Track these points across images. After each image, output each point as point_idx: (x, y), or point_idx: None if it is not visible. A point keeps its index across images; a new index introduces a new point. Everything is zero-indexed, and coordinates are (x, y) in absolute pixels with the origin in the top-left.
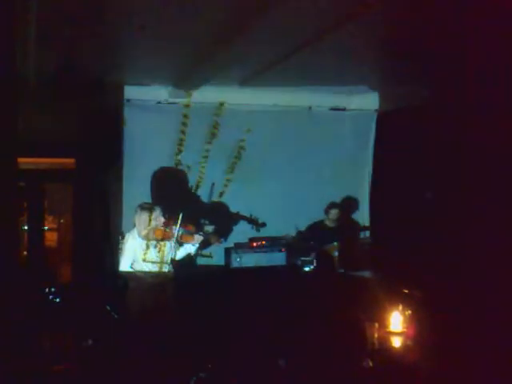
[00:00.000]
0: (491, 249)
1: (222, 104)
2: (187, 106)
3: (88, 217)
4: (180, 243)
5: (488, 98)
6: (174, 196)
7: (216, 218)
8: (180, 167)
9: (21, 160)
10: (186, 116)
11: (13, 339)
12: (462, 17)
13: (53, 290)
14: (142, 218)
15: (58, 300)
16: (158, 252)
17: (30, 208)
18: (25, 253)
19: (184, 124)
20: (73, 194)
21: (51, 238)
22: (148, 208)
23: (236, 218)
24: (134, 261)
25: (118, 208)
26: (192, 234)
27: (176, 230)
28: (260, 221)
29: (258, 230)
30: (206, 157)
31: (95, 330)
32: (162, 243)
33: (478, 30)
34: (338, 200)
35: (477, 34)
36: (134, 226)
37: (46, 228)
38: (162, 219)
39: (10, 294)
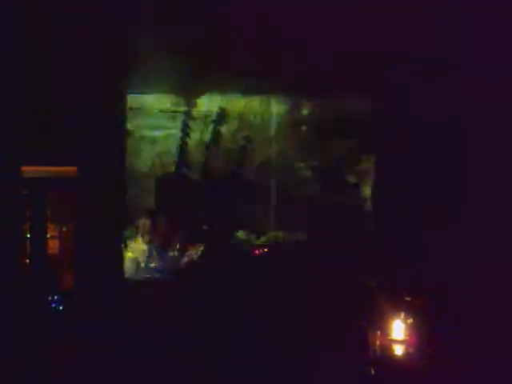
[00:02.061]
0: (493, 255)
1: (223, 112)
2: (189, 114)
3: (90, 224)
4: (182, 250)
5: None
6: (176, 202)
7: (218, 224)
8: (182, 174)
9: (24, 169)
10: (187, 124)
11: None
12: None
13: (56, 297)
14: (146, 224)
15: (61, 308)
16: (162, 258)
17: (32, 216)
18: (27, 261)
19: (186, 132)
20: (75, 202)
21: (53, 246)
22: (151, 214)
23: (237, 224)
24: (138, 267)
25: (121, 215)
26: (194, 240)
27: (179, 236)
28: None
29: (258, 238)
30: (208, 164)
31: None
32: (165, 249)
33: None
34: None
35: None
36: (138, 232)
37: (48, 236)
38: (165, 225)
39: (13, 301)
